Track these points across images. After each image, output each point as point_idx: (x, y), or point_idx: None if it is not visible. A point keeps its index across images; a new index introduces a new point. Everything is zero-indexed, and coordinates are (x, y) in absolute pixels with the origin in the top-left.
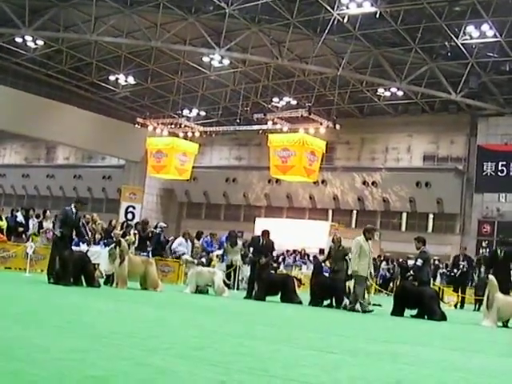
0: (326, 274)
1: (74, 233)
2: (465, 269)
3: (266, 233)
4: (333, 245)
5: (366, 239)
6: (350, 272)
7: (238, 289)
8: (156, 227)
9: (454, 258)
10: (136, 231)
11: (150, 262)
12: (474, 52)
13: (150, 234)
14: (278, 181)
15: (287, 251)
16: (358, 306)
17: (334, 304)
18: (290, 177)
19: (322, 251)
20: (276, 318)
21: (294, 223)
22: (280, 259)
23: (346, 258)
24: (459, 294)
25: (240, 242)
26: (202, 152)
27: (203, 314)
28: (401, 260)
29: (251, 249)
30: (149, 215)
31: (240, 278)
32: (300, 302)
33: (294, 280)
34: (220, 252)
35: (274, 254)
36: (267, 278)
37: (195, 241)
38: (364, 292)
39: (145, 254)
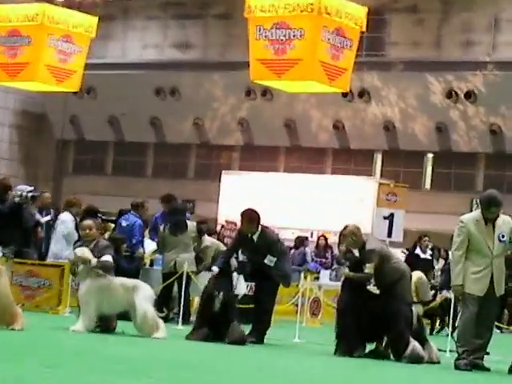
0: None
1: None
2: None
3: (253, 218)
4: (343, 247)
5: (486, 220)
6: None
7: (187, 320)
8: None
9: None
10: None
11: None
12: None
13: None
14: (266, 92)
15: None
16: (462, 360)
17: (387, 351)
18: (291, 83)
19: None
20: (271, 380)
21: (303, 182)
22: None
23: (366, 269)
24: None
25: (191, 223)
26: (105, 34)
27: (111, 377)
28: None
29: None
30: None
31: (191, 297)
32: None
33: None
34: (153, 245)
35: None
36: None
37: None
38: (490, 330)
39: None
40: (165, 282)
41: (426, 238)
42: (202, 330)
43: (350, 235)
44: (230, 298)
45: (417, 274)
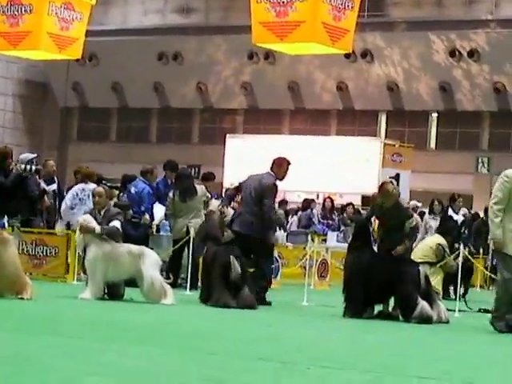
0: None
1: None
2: None
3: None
4: (380, 199)
5: None
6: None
7: (195, 286)
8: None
9: None
10: None
11: (3, 240)
12: None
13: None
14: (269, 55)
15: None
16: (500, 322)
17: (396, 312)
18: (294, 46)
19: (366, 200)
20: (281, 345)
21: (308, 144)
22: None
23: (407, 224)
24: None
25: (200, 188)
26: (105, 1)
27: (118, 344)
28: None
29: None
30: None
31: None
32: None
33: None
34: (160, 214)
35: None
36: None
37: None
38: None
39: None
40: (175, 248)
41: (460, 199)
42: (224, 298)
43: (391, 188)
44: (245, 263)
45: (436, 240)
